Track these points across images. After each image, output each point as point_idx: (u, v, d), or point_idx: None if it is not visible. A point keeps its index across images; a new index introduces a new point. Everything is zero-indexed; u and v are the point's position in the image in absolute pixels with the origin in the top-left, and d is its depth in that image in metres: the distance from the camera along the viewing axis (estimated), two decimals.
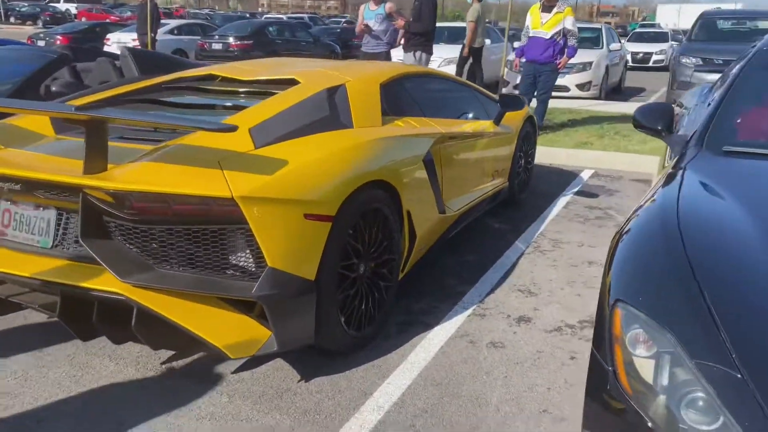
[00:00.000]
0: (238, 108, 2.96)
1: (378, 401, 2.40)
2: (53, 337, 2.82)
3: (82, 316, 2.30)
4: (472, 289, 3.42)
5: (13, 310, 2.64)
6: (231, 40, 15.64)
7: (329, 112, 2.86)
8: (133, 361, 2.64)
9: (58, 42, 16.62)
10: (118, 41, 15.70)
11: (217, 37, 16.02)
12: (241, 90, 3.26)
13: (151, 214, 2.16)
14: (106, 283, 2.17)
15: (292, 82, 3.14)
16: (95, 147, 2.19)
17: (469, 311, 3.15)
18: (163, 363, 2.63)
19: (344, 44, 20.33)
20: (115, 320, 2.28)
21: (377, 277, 2.81)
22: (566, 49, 6.92)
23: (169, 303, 2.18)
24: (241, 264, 2.25)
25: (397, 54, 8.18)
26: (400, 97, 3.49)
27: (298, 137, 2.57)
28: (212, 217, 2.17)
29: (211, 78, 3.48)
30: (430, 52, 7.46)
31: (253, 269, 2.24)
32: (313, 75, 3.24)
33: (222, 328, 2.24)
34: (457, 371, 2.62)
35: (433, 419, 2.30)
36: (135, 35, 14.82)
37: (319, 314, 2.41)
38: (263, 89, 3.19)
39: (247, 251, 2.23)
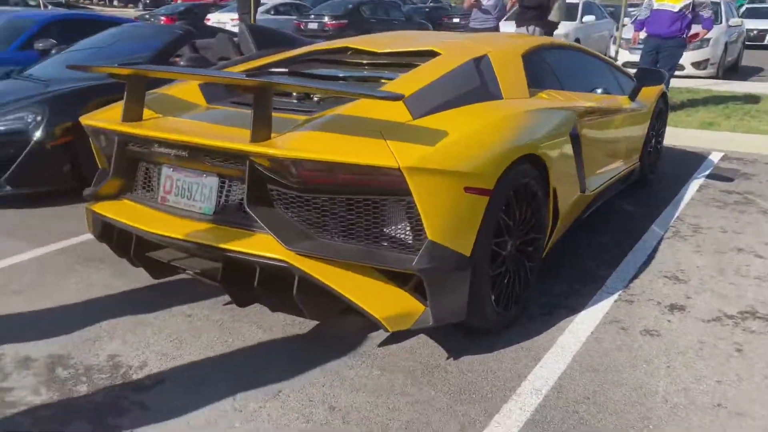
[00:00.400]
0: (382, 79, 2.91)
1: (534, 384, 2.30)
2: (201, 302, 2.90)
3: (242, 283, 2.33)
4: (614, 273, 3.24)
5: (169, 274, 2.73)
6: (326, 19, 15.75)
7: (478, 82, 2.75)
8: (280, 330, 2.67)
9: (162, 22, 17.30)
10: (218, 21, 16.15)
11: (312, 16, 16.17)
12: (379, 62, 3.21)
13: (315, 182, 2.14)
14: (270, 250, 2.18)
15: (431, 54, 3.06)
16: (262, 115, 2.18)
17: (615, 296, 2.98)
18: (309, 332, 2.64)
19: (433, 23, 20.04)
20: (274, 288, 2.29)
21: (523, 255, 2.70)
22: (703, 22, 6.44)
23: (331, 272, 2.16)
24: (399, 236, 2.20)
25: (505, 29, 7.92)
26: (540, 69, 3.33)
27: (453, 108, 2.49)
28: (375, 187, 2.12)
29: (346, 51, 3.44)
30: (544, 27, 7.17)
31: (411, 242, 2.18)
32: (454, 46, 3.14)
33: (380, 299, 2.20)
34: (612, 358, 2.48)
35: (596, 407, 2.18)
36: (233, 15, 15.21)
37: (472, 291, 2.33)
38: (402, 61, 3.12)
39: (407, 223, 2.18)
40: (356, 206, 2.17)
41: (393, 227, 2.19)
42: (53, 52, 5.84)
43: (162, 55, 5.07)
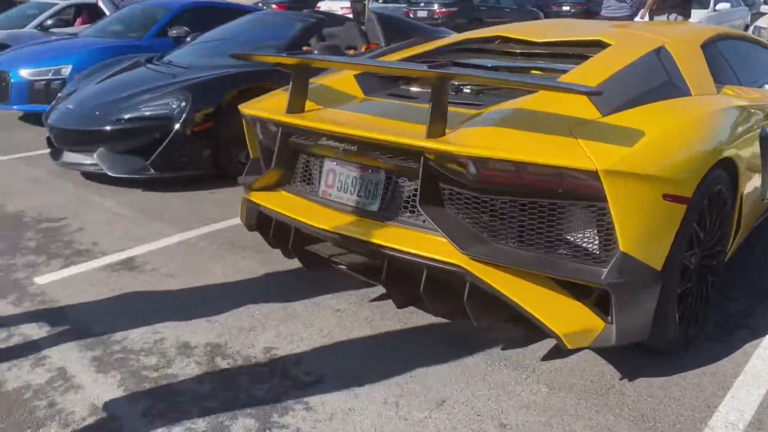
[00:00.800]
0: (548, 71, 2.72)
1: (728, 418, 2.05)
2: (347, 296, 2.84)
3: (405, 284, 2.23)
4: None
5: (323, 268, 2.67)
6: (435, 7, 15.50)
7: (664, 76, 2.49)
8: (430, 333, 2.55)
9: (274, 9, 17.69)
10: (329, 9, 16.31)
11: (422, 4, 15.97)
12: (539, 52, 3.00)
13: (496, 183, 1.99)
14: (441, 252, 2.06)
15: (599, 44, 2.82)
16: (439, 109, 2.06)
17: None
18: (463, 337, 2.51)
19: (541, 11, 19.33)
20: (440, 292, 2.17)
21: (706, 269, 2.43)
22: None
23: (507, 281, 2.01)
24: (585, 245, 2.00)
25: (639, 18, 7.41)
26: (719, 62, 3.00)
27: (643, 104, 2.26)
28: (564, 191, 1.94)
29: (499, 40, 3.25)
30: (687, 16, 6.64)
31: (598, 252, 1.98)
32: (625, 36, 2.88)
33: (559, 313, 2.03)
34: None
35: None
36: (343, 3, 15.28)
37: (658, 308, 2.10)
38: (567, 51, 2.90)
39: (595, 231, 1.98)
40: (539, 210, 2.00)
41: (578, 235, 2.00)
42: (188, 39, 6.03)
43: (296, 43, 5.09)
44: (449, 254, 2.04)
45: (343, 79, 2.82)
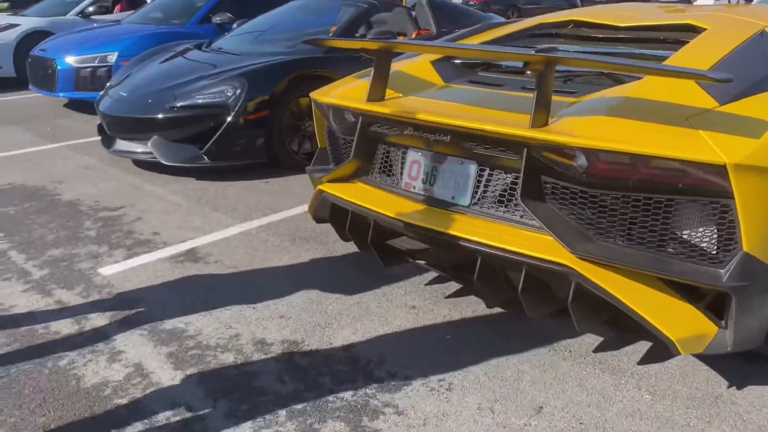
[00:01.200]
0: (647, 57, 2.55)
1: None
2: (420, 292, 2.73)
3: (499, 283, 2.11)
4: None
5: (400, 264, 2.56)
6: None
7: None
8: (514, 332, 2.43)
9: None
10: None
11: None
12: (624, 37, 2.83)
13: (608, 177, 1.85)
14: (545, 251, 1.92)
15: (690, 29, 2.65)
16: (543, 96, 1.92)
17: None
18: (551, 338, 2.38)
19: None
20: (538, 292, 2.04)
21: None
22: None
23: (618, 282, 1.88)
24: (700, 244, 1.86)
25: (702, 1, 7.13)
26: None
27: (759, 92, 2.08)
28: (685, 185, 1.79)
29: (572, 24, 3.09)
30: None
31: (715, 252, 1.84)
32: (719, 19, 2.69)
33: (672, 316, 1.89)
34: None
35: None
36: None
37: None
38: (657, 36, 2.73)
39: (714, 229, 1.83)
40: (653, 206, 1.86)
41: (694, 233, 1.86)
42: (234, 26, 5.94)
43: (348, 29, 4.97)
44: (554, 252, 1.91)
45: (419, 66, 2.69)
